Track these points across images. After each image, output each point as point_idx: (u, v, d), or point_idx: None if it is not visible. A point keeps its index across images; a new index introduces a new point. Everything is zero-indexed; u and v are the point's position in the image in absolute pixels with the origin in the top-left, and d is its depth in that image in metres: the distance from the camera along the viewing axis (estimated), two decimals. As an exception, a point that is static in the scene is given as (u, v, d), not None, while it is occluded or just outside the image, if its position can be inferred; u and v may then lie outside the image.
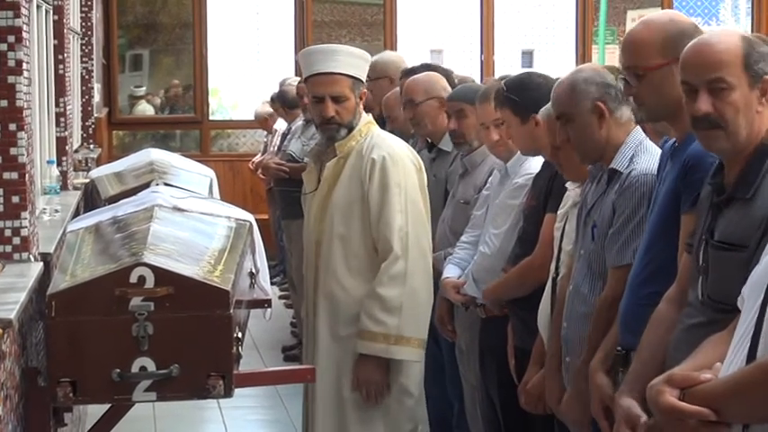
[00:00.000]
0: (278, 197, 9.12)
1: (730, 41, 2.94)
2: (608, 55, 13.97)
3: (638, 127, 3.82)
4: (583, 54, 13.13)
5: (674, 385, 2.57)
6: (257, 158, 11.03)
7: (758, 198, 2.79)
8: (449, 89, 5.82)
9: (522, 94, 4.59)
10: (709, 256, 2.91)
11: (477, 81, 7.78)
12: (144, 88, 13.35)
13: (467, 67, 13.27)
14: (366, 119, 4.87)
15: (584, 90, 3.79)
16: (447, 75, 6.30)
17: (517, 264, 4.58)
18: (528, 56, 20.07)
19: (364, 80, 4.85)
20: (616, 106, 3.79)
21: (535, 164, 4.78)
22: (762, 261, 2.57)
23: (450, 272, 5.13)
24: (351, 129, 4.80)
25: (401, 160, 4.76)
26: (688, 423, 2.51)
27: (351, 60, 4.80)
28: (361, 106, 4.84)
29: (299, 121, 9.05)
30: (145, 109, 13.32)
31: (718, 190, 2.93)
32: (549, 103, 4.07)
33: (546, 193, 4.46)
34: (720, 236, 2.88)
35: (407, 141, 6.27)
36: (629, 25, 13.94)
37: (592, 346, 3.61)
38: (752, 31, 11.49)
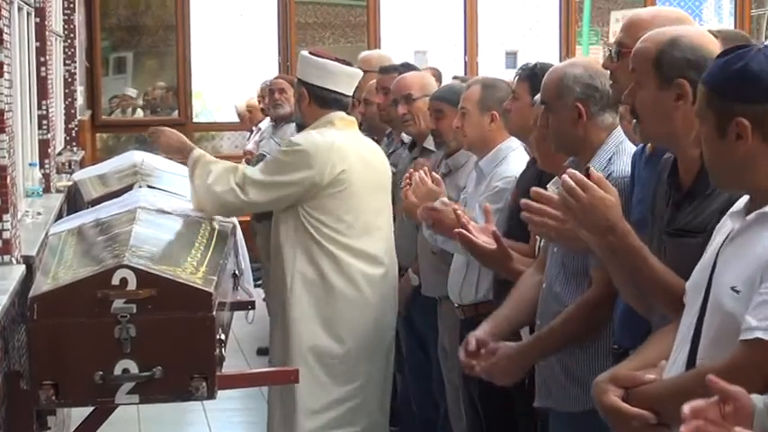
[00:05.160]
0: None
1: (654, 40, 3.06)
2: (592, 56, 13.98)
3: (620, 128, 3.82)
4: (566, 55, 13.13)
5: (618, 385, 2.64)
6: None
7: (716, 194, 2.82)
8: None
9: None
10: (666, 247, 2.93)
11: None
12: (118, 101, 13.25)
13: (451, 68, 13.24)
14: (326, 119, 5.20)
15: (569, 87, 3.75)
16: (436, 74, 6.33)
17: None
18: (512, 57, 20.06)
19: (308, 82, 5.23)
20: (597, 111, 3.75)
21: (513, 166, 4.78)
22: (702, 259, 2.60)
23: None
24: (301, 125, 5.30)
25: (297, 145, 5.12)
26: (631, 424, 2.55)
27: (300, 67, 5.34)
28: (309, 106, 5.23)
29: (267, 122, 9.04)
30: (138, 112, 13.27)
31: (677, 187, 2.95)
32: None
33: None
34: (677, 225, 2.91)
35: (379, 138, 6.31)
36: (613, 26, 13.95)
37: (559, 336, 3.62)
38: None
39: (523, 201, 3.41)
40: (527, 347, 3.69)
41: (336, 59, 5.32)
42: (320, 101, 5.20)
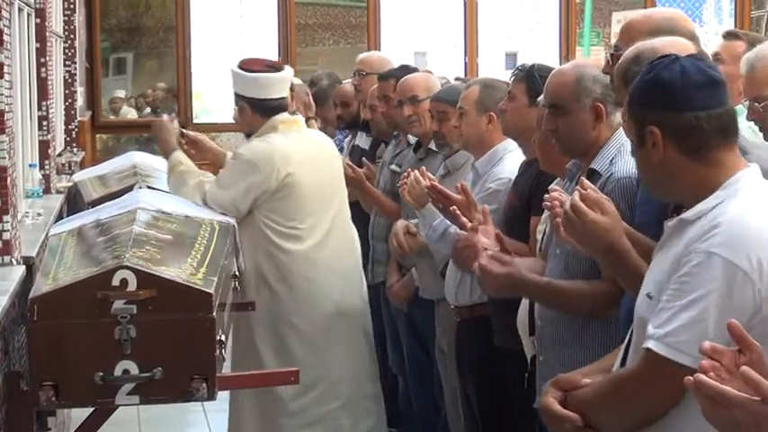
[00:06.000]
0: None
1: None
2: (593, 56, 13.97)
3: (621, 129, 3.80)
4: (567, 56, 13.12)
5: (557, 387, 2.68)
6: None
7: None
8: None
9: None
10: None
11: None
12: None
13: (451, 69, 13.24)
14: (269, 125, 5.46)
15: (589, 87, 3.72)
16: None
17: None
18: (512, 58, 20.08)
19: (247, 96, 5.54)
20: (612, 110, 3.75)
21: (509, 167, 4.77)
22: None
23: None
24: (249, 135, 5.58)
25: (242, 156, 5.44)
26: (564, 426, 2.60)
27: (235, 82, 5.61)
28: (253, 117, 5.51)
29: None
30: (127, 112, 13.27)
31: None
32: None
33: (529, 194, 4.44)
34: None
35: (386, 141, 6.29)
36: (614, 27, 13.95)
37: (558, 299, 3.65)
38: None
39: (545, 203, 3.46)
40: (531, 282, 3.69)
41: (266, 66, 5.56)
42: (263, 110, 5.49)
